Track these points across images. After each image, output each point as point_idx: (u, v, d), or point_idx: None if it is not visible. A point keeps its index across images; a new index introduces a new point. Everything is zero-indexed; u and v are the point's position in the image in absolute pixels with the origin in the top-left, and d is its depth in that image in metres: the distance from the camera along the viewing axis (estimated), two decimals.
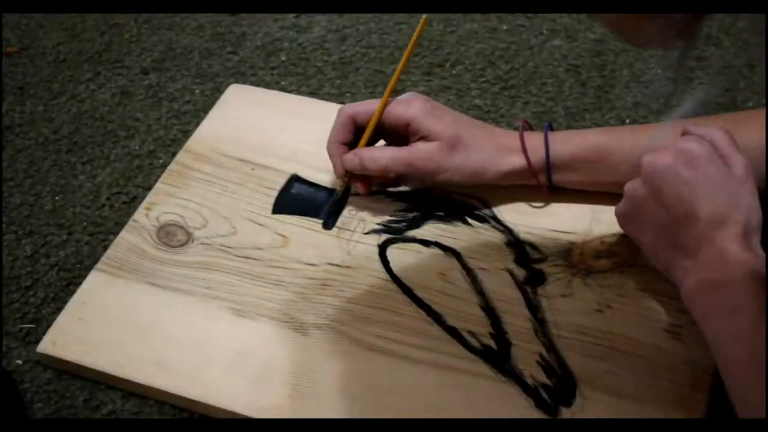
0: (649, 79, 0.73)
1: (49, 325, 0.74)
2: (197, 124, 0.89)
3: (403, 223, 0.78)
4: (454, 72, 0.96)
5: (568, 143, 0.76)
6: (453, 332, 0.71)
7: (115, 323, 0.73)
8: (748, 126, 0.71)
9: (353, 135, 0.79)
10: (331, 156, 0.79)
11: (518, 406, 0.66)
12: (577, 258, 0.75)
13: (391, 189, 0.81)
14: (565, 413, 0.66)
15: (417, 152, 0.76)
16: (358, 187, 0.80)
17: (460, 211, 0.79)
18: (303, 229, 0.79)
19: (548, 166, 0.76)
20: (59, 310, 0.75)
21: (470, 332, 0.71)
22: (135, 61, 1.00)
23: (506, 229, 0.77)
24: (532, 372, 0.68)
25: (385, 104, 0.77)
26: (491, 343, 0.70)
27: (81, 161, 0.89)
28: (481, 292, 0.73)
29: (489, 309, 0.72)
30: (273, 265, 0.76)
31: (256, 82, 0.96)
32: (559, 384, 0.67)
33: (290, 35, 1.02)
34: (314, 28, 1.02)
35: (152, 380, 0.69)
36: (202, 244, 0.78)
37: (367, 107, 0.78)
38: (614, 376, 0.67)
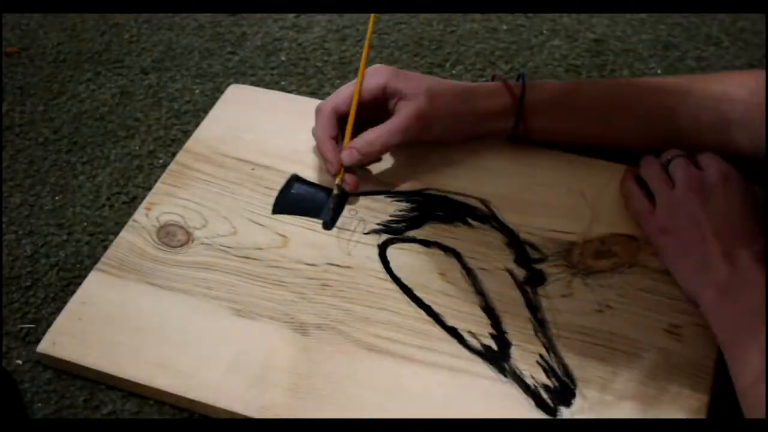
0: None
1: (49, 325, 0.74)
2: (197, 124, 0.89)
3: (403, 223, 0.78)
4: (454, 72, 0.96)
5: (538, 89, 0.80)
6: (453, 332, 0.71)
7: (115, 323, 0.73)
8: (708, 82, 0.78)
9: (338, 127, 0.80)
10: (325, 153, 0.80)
11: (518, 406, 0.66)
12: (577, 258, 0.75)
13: (390, 189, 0.81)
14: (565, 413, 0.66)
15: (405, 116, 0.78)
16: (349, 182, 0.80)
17: (460, 211, 0.79)
18: (303, 229, 0.79)
19: (521, 107, 0.79)
20: (59, 310, 0.75)
21: (470, 332, 0.71)
22: (135, 61, 1.00)
23: (506, 229, 0.77)
24: (532, 372, 0.68)
25: (361, 83, 0.79)
26: (491, 343, 0.70)
27: (81, 161, 0.89)
28: (481, 292, 0.73)
29: (489, 309, 0.72)
30: (273, 265, 0.76)
31: (256, 82, 0.96)
32: (559, 384, 0.67)
33: (290, 35, 1.02)
34: (314, 28, 1.02)
35: (152, 380, 0.69)
36: (202, 244, 0.78)
37: (342, 95, 0.80)
38: (614, 376, 0.67)
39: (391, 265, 0.76)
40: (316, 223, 0.79)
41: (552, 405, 0.66)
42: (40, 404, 0.71)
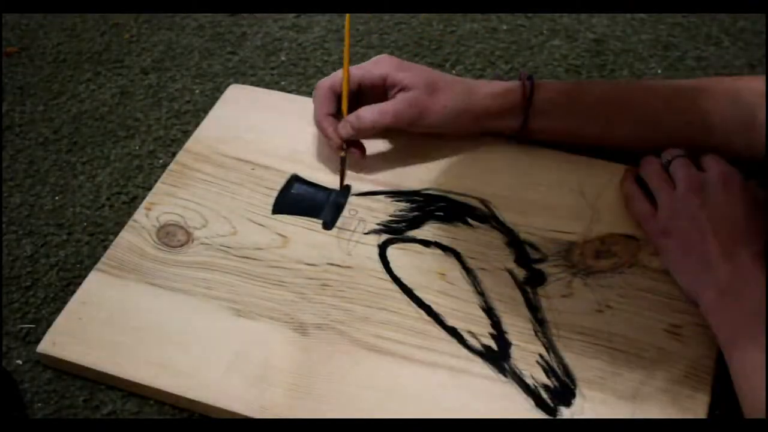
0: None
1: (49, 325, 0.74)
2: (197, 124, 0.89)
3: (403, 223, 0.78)
4: (454, 72, 0.96)
5: (543, 89, 0.80)
6: (453, 332, 0.71)
7: (114, 323, 0.73)
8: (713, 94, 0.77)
9: (336, 105, 0.82)
10: (324, 129, 0.81)
11: (518, 406, 0.66)
12: (577, 258, 0.75)
13: (391, 189, 0.81)
14: (565, 413, 0.66)
15: (399, 101, 0.79)
16: (355, 154, 0.82)
17: (460, 211, 0.79)
18: (303, 229, 0.79)
19: (529, 106, 0.79)
20: (59, 310, 0.75)
21: (470, 332, 0.71)
22: (135, 61, 1.00)
23: (506, 229, 0.77)
24: (532, 372, 0.68)
25: (349, 61, 0.80)
26: (491, 343, 0.70)
27: (81, 161, 0.89)
28: (481, 292, 0.73)
29: (489, 309, 0.72)
30: (273, 265, 0.76)
31: (256, 82, 0.96)
32: (559, 384, 0.67)
33: (290, 35, 1.02)
34: (314, 28, 1.02)
35: (152, 380, 0.69)
36: (202, 244, 0.78)
37: (340, 74, 0.82)
38: (614, 376, 0.67)
39: (391, 265, 0.76)
40: (316, 223, 0.79)
41: (552, 405, 0.66)
42: (40, 404, 0.71)
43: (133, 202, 0.84)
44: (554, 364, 0.68)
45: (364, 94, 0.82)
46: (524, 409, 0.66)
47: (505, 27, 1.00)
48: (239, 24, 1.04)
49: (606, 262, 0.74)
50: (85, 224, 0.83)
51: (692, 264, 0.69)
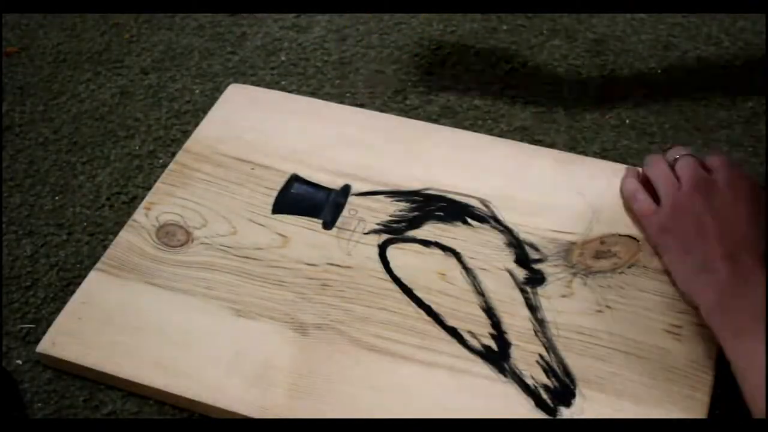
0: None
1: (49, 325, 0.74)
2: (197, 124, 0.89)
3: (403, 223, 0.78)
4: (454, 72, 0.96)
5: None
6: (453, 332, 0.71)
7: (114, 323, 0.73)
8: None
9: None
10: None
11: (518, 406, 0.66)
12: (577, 258, 0.75)
13: (391, 189, 0.81)
14: (565, 413, 0.66)
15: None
16: None
17: (460, 211, 0.79)
18: (303, 229, 0.79)
19: None
20: (59, 310, 0.75)
21: (470, 332, 0.71)
22: (135, 61, 1.00)
23: (506, 229, 0.77)
24: (532, 372, 0.68)
25: None
26: (491, 343, 0.70)
27: (81, 161, 0.89)
28: (481, 292, 0.73)
29: (489, 309, 0.72)
30: (273, 265, 0.76)
31: (256, 82, 0.96)
32: (559, 384, 0.67)
33: (290, 35, 1.02)
34: (314, 28, 1.02)
35: (152, 380, 0.69)
36: (202, 244, 0.78)
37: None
38: (614, 376, 0.67)
39: (391, 265, 0.76)
40: (316, 223, 0.79)
41: (552, 405, 0.66)
42: (40, 404, 0.71)
43: (133, 202, 0.84)
44: (554, 364, 0.68)
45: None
46: (524, 409, 0.66)
47: (505, 27, 1.00)
48: (239, 24, 1.04)
49: (606, 262, 0.74)
50: (85, 224, 0.83)
51: (691, 262, 0.68)
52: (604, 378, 0.67)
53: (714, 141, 0.86)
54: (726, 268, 0.65)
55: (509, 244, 0.76)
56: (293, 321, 0.72)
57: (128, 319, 0.73)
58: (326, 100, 0.92)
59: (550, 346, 0.69)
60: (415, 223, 0.78)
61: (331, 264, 0.76)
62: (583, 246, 0.75)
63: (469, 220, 0.78)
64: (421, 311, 0.72)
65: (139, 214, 0.81)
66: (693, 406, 0.65)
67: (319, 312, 0.73)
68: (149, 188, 0.84)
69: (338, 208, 0.80)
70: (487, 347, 0.70)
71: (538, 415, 0.66)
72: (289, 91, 0.94)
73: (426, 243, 0.77)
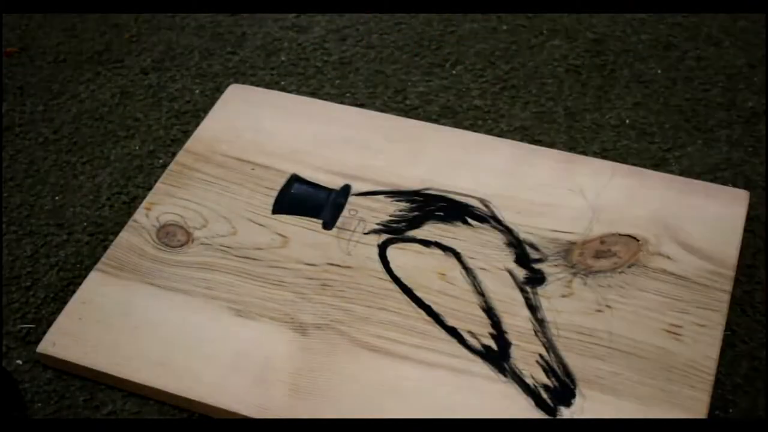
0: None
1: (49, 325, 0.74)
2: (197, 124, 0.89)
3: (403, 223, 0.78)
4: (454, 72, 0.96)
5: None
6: (453, 332, 0.71)
7: (115, 323, 0.73)
8: None
9: None
10: None
11: (518, 406, 0.66)
12: (577, 258, 0.75)
13: (391, 189, 0.81)
14: (565, 413, 0.66)
15: None
16: None
17: (460, 211, 0.79)
18: (303, 229, 0.79)
19: None
20: (59, 310, 0.75)
21: (470, 332, 0.71)
22: (135, 61, 1.00)
23: (506, 229, 0.77)
24: (532, 372, 0.68)
25: None
26: (491, 343, 0.70)
27: (81, 161, 0.89)
28: (481, 292, 0.73)
29: (489, 309, 0.72)
30: (273, 265, 0.76)
31: (256, 82, 0.96)
32: (559, 384, 0.67)
33: (290, 35, 1.02)
34: (314, 28, 1.02)
35: (152, 380, 0.69)
36: (202, 244, 0.78)
37: None
38: (614, 376, 0.67)
39: (391, 265, 0.76)
40: (316, 223, 0.79)
41: (552, 405, 0.66)
42: (40, 404, 0.71)
43: (133, 202, 0.84)
44: (554, 364, 0.68)
45: None
46: (524, 409, 0.66)
47: (505, 27, 1.00)
48: (239, 24, 1.04)
49: (606, 262, 0.74)
50: (85, 224, 0.83)
51: None
52: (604, 378, 0.67)
53: (714, 141, 0.86)
54: None
55: (509, 244, 0.76)
56: (293, 321, 0.72)
57: (128, 319, 0.73)
58: (326, 100, 0.93)
59: (550, 346, 0.69)
60: (415, 223, 0.78)
61: (331, 264, 0.76)
62: (583, 246, 0.75)
63: (469, 220, 0.78)
64: (421, 311, 0.72)
65: (139, 215, 0.81)
66: (693, 406, 0.65)
67: (319, 312, 0.73)
68: (149, 188, 0.84)
69: (338, 208, 0.80)
70: (487, 347, 0.70)
71: (538, 415, 0.66)
72: (289, 91, 0.94)
73: (426, 243, 0.77)
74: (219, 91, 0.94)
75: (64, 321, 0.74)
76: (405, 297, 0.73)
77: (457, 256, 0.76)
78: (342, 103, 0.92)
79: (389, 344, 0.70)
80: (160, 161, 0.89)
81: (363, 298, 0.73)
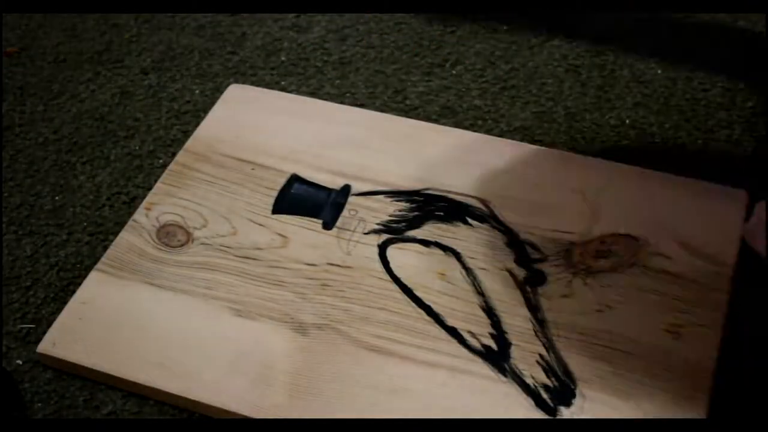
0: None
1: (49, 325, 0.74)
2: (197, 124, 0.89)
3: (403, 223, 0.78)
4: (454, 72, 0.96)
5: None
6: (453, 332, 0.71)
7: (115, 323, 0.73)
8: None
9: None
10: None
11: (518, 406, 0.66)
12: (577, 258, 0.75)
13: (391, 189, 0.81)
14: (565, 413, 0.66)
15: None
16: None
17: (460, 211, 0.79)
18: (303, 229, 0.79)
19: None
20: (59, 310, 0.75)
21: (470, 332, 0.71)
22: (135, 61, 1.00)
23: (506, 229, 0.77)
24: (532, 372, 0.68)
25: None
26: (491, 343, 0.70)
27: (81, 161, 0.89)
28: (481, 292, 0.73)
29: (489, 309, 0.72)
30: (273, 265, 0.76)
31: (256, 82, 0.96)
32: (559, 384, 0.67)
33: (290, 35, 1.02)
34: (314, 28, 1.02)
35: (152, 380, 0.69)
36: (202, 244, 0.78)
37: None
38: (614, 376, 0.67)
39: (391, 265, 0.76)
40: (316, 223, 0.79)
41: (552, 405, 0.66)
42: (40, 404, 0.71)
43: (133, 202, 0.84)
44: (554, 364, 0.68)
45: None
46: (524, 409, 0.66)
47: (505, 27, 1.00)
48: (239, 24, 1.04)
49: (606, 262, 0.74)
50: (85, 224, 0.83)
51: None
52: (604, 378, 0.67)
53: (714, 141, 0.86)
54: None
55: (509, 244, 0.76)
56: (293, 321, 0.72)
57: (128, 320, 0.73)
58: (326, 100, 0.93)
59: (550, 346, 0.69)
60: (415, 223, 0.78)
61: (331, 264, 0.76)
62: (583, 246, 0.75)
63: (469, 220, 0.78)
64: (421, 311, 0.72)
65: (139, 215, 0.81)
66: (693, 406, 0.65)
67: (319, 312, 0.73)
68: (149, 188, 0.84)
69: (338, 208, 0.80)
70: (487, 347, 0.70)
71: (538, 415, 0.66)
72: (289, 91, 0.94)
73: (426, 243, 0.77)
74: (219, 91, 0.94)
75: (64, 321, 0.74)
76: (405, 297, 0.73)
77: (457, 256, 0.76)
78: (342, 103, 0.92)
79: (389, 344, 0.70)
80: (160, 161, 0.89)
81: (363, 298, 0.73)
